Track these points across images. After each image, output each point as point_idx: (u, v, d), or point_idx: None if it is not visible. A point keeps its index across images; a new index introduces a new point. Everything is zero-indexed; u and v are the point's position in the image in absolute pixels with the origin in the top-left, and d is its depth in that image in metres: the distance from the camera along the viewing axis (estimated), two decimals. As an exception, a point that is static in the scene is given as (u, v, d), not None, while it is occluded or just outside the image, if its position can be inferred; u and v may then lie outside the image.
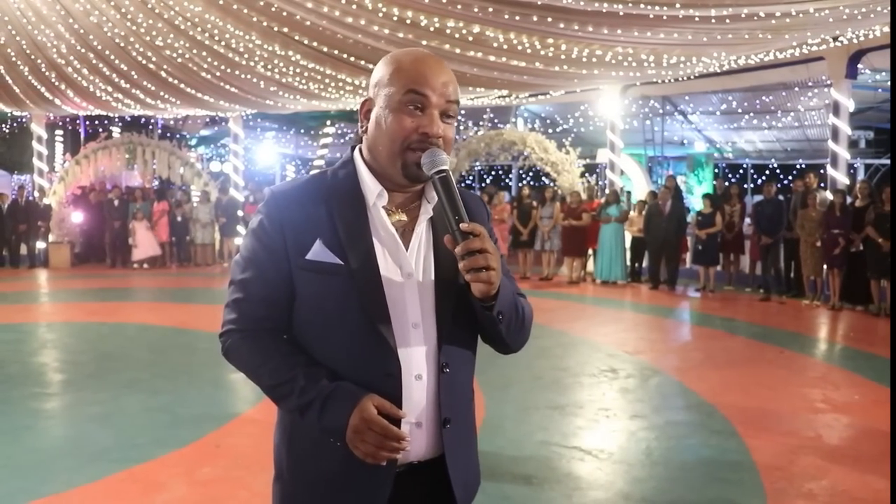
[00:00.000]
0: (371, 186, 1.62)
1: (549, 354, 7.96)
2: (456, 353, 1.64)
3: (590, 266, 14.91)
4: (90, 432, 5.35)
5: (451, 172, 1.56)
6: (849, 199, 11.38)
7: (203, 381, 6.83)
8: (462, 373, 1.67)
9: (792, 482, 4.48)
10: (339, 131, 25.58)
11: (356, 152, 1.68)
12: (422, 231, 1.64)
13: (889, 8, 8.25)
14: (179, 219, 17.47)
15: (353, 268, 1.56)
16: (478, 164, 21.70)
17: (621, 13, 8.85)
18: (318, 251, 1.57)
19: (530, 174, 29.70)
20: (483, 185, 29.54)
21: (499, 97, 16.14)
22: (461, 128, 19.16)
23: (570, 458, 4.87)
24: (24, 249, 17.47)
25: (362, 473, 1.56)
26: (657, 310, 11.33)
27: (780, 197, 12.82)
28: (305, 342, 1.63)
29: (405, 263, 1.60)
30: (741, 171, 30.67)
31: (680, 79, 14.35)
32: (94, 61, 14.35)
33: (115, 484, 4.40)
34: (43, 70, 14.97)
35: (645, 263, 14.57)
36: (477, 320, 1.64)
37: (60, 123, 24.47)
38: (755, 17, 8.63)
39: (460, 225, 1.48)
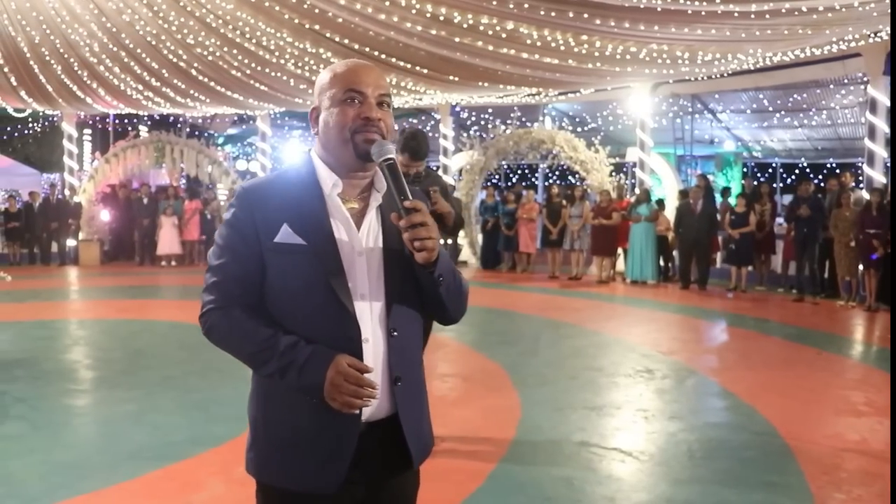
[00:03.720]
0: (327, 178, 1.87)
1: (583, 354, 7.88)
2: (403, 319, 1.88)
3: (619, 265, 14.80)
4: (125, 430, 5.34)
5: (396, 160, 1.82)
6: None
7: (236, 379, 6.77)
8: (409, 336, 1.90)
9: (840, 487, 4.37)
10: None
11: (312, 151, 1.94)
12: (372, 216, 1.89)
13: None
14: (209, 217, 17.55)
15: (316, 247, 1.81)
16: (504, 163, 21.56)
17: (659, 9, 8.74)
18: (285, 234, 1.81)
19: (556, 173, 29.54)
20: (509, 183, 29.39)
21: (528, 95, 16.04)
22: (489, 126, 19.08)
23: (610, 459, 4.79)
24: (54, 247, 17.66)
25: (330, 432, 1.79)
26: (689, 310, 11.20)
27: (819, 195, 12.60)
28: (276, 315, 1.84)
29: (357, 243, 1.85)
30: (770, 170, 30.36)
31: (713, 76, 14.17)
32: (125, 59, 14.43)
33: (152, 482, 4.38)
34: (75, 69, 15.08)
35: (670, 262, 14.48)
36: (421, 291, 1.90)
37: (90, 122, 24.66)
38: (796, 13, 8.47)
39: (404, 203, 1.74)
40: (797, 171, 29.51)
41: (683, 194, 14.38)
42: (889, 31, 9.95)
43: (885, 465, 4.73)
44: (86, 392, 6.56)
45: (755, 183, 15.60)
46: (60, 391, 6.43)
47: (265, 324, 1.83)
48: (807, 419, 5.76)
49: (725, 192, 16.08)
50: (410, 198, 1.76)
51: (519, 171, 31.70)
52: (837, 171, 24.58)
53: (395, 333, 1.85)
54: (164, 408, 5.87)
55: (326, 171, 1.88)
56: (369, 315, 1.83)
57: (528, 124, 18.23)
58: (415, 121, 23.78)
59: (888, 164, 12.78)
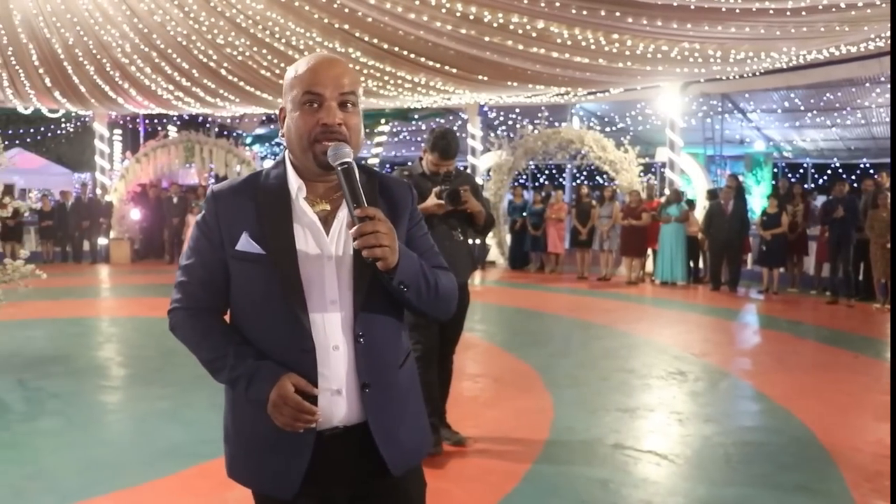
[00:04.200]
0: (293, 182, 1.83)
1: (615, 356, 7.82)
2: (372, 323, 1.83)
3: (648, 266, 14.70)
4: (159, 427, 5.37)
5: (353, 163, 1.75)
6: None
7: (268, 378, 6.83)
8: (380, 341, 1.85)
9: (884, 495, 4.28)
10: (394, 130, 25.63)
11: (287, 153, 1.89)
12: (342, 217, 1.82)
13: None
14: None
15: (274, 257, 1.77)
16: (531, 163, 21.49)
17: (693, 7, 8.64)
18: (244, 243, 1.80)
19: (584, 173, 29.39)
20: (536, 184, 29.30)
21: (556, 95, 15.97)
22: (517, 126, 19.02)
23: (645, 462, 4.74)
24: (86, 245, 17.88)
25: (288, 436, 1.77)
26: (720, 311, 11.09)
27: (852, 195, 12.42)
28: (238, 323, 1.87)
29: (325, 247, 1.80)
30: (801, 170, 30.03)
31: (744, 75, 14.01)
32: (156, 60, 14.56)
33: (186, 479, 4.39)
34: (108, 69, 15.24)
35: (701, 264, 14.35)
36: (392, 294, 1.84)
37: (120, 122, 24.92)
38: (834, 9, 8.33)
39: (355, 210, 1.69)
40: (829, 172, 29.17)
41: (712, 194, 14.25)
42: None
43: (927, 470, 4.64)
44: (119, 389, 6.62)
45: (789, 183, 15.44)
46: (95, 388, 6.49)
47: (224, 331, 1.85)
48: (846, 424, 5.66)
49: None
50: (364, 204, 1.71)
51: (546, 172, 31.57)
52: (871, 171, 24.29)
53: (362, 339, 1.80)
54: (197, 405, 5.89)
55: (293, 175, 1.85)
56: (339, 322, 1.80)
57: (556, 124, 18.15)
58: (442, 120, 23.76)
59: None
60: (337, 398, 1.79)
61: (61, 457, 4.73)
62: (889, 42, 10.71)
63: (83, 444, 4.99)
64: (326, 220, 1.83)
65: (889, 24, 8.85)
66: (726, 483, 4.43)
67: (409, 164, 4.98)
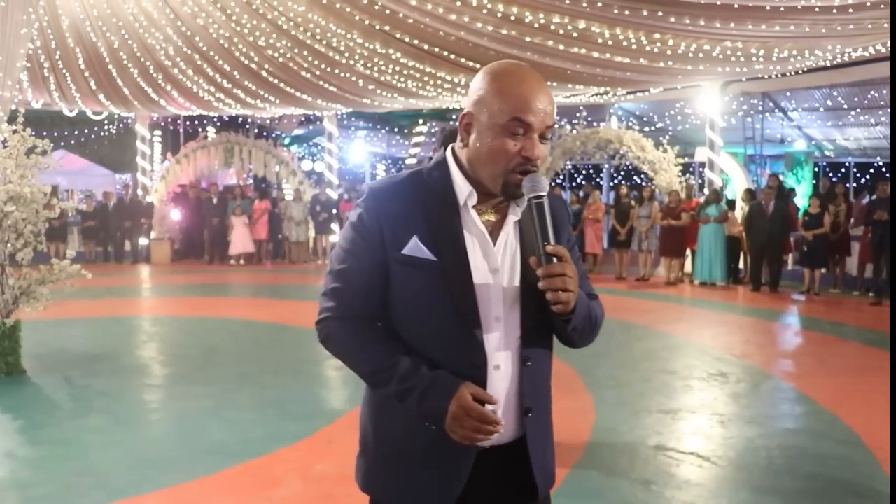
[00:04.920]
0: (462, 187, 1.71)
1: (656, 357, 7.77)
2: (537, 348, 1.75)
3: (686, 266, 14.57)
4: (204, 425, 5.45)
5: (545, 197, 1.65)
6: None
7: (309, 378, 6.91)
8: (542, 366, 1.78)
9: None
10: (432, 130, 25.68)
11: (449, 153, 1.78)
12: (509, 230, 1.74)
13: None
14: (280, 216, 17.85)
15: (446, 264, 1.67)
16: (569, 162, 21.42)
17: (736, 6, 8.56)
18: (414, 247, 1.68)
19: (621, 173, 29.22)
20: (574, 183, 29.20)
21: (595, 94, 15.91)
22: (556, 126, 18.96)
23: (688, 464, 4.71)
24: (127, 245, 18.16)
25: (444, 454, 1.68)
26: (761, 312, 10.96)
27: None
28: (398, 329, 1.74)
29: (492, 260, 1.70)
30: (843, 169, 29.56)
31: (787, 74, 13.83)
32: (198, 62, 14.76)
33: (232, 477, 4.45)
34: (151, 72, 15.48)
35: (741, 264, 14.20)
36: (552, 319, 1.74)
37: (161, 124, 25.26)
38: (882, 5, 8.19)
39: (546, 248, 1.60)
40: (872, 171, 28.67)
41: (750, 194, 14.09)
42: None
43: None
44: (163, 387, 6.72)
45: (830, 183, 15.23)
46: (139, 386, 6.61)
47: (386, 341, 1.73)
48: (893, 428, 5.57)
49: (790, 192, 15.72)
50: (552, 241, 1.61)
51: (584, 171, 31.45)
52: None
53: (529, 363, 1.72)
54: (240, 404, 5.97)
55: (462, 180, 1.72)
56: (503, 340, 1.70)
57: (595, 124, 18.08)
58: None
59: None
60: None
61: (109, 454, 4.82)
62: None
63: (130, 441, 5.09)
64: (492, 232, 1.72)
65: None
66: (770, 487, 4.38)
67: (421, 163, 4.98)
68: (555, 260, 1.59)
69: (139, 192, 19.86)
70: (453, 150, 1.78)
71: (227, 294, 13.17)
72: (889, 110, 20.07)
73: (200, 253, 18.39)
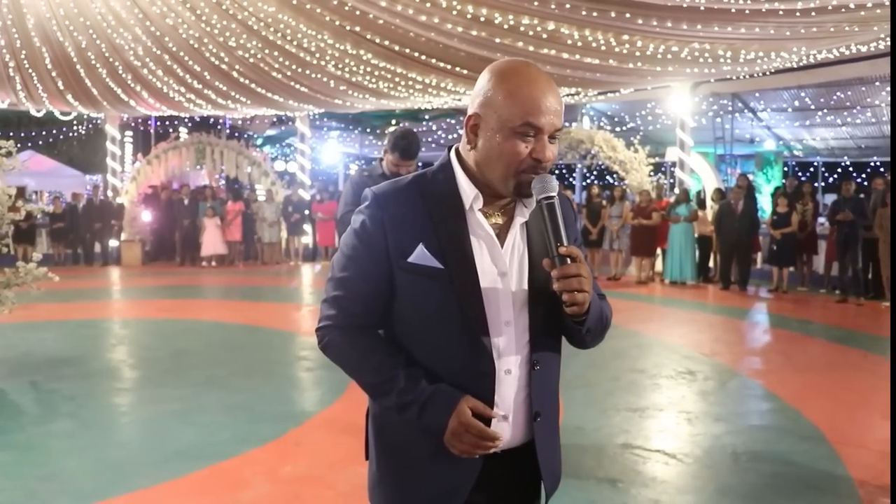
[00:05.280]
0: (467, 190, 1.68)
1: (626, 356, 7.83)
2: (546, 351, 1.73)
3: (657, 266, 14.70)
4: (172, 428, 5.42)
5: (556, 197, 1.63)
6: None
7: (279, 379, 6.89)
8: (551, 369, 1.77)
9: (888, 492, 4.29)
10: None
11: (453, 155, 1.74)
12: (516, 232, 1.71)
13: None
14: (253, 217, 17.76)
15: (454, 272, 1.64)
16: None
17: (702, 8, 8.67)
18: (420, 255, 1.64)
19: (594, 173, 29.39)
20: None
21: (567, 95, 15.99)
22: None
23: (654, 461, 4.76)
24: (97, 247, 17.96)
25: (449, 464, 1.67)
26: (730, 311, 11.08)
27: (861, 195, 12.38)
28: (403, 340, 1.72)
29: (500, 263, 1.67)
30: (811, 169, 29.95)
31: (754, 75, 14.00)
32: (168, 63, 14.66)
33: (200, 480, 4.44)
34: (120, 72, 15.35)
35: (711, 263, 14.34)
36: (562, 321, 1.73)
37: (131, 124, 25.07)
38: (843, 10, 8.34)
39: (559, 249, 1.57)
40: (839, 170, 29.07)
41: (720, 193, 14.25)
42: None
43: (936, 470, 4.64)
44: (132, 391, 6.66)
45: (797, 182, 15.41)
46: (108, 390, 6.55)
47: (388, 351, 1.70)
48: (854, 423, 5.67)
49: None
50: (566, 243, 1.59)
51: (556, 171, 31.53)
52: (881, 169, 24.22)
53: (538, 367, 1.71)
54: (209, 407, 5.94)
55: (468, 184, 1.69)
56: (513, 345, 1.68)
57: (567, 124, 18.16)
58: (452, 121, 23.83)
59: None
60: (503, 424, 1.69)
61: (75, 458, 4.78)
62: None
63: (96, 445, 5.04)
64: (499, 234, 1.70)
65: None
66: (734, 483, 4.45)
67: (372, 163, 4.95)
68: (568, 261, 1.57)
69: (109, 193, 19.68)
70: (457, 151, 1.75)
71: (198, 296, 13.08)
72: (854, 110, 20.39)
73: (172, 255, 18.25)
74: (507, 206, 1.72)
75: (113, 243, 18.15)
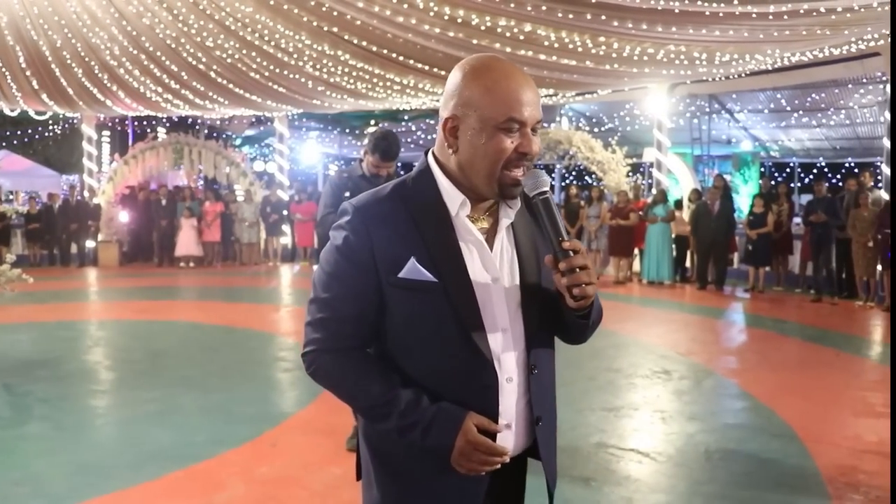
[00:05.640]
0: (453, 196, 1.62)
1: (602, 355, 7.88)
2: (542, 354, 1.69)
3: (635, 266, 14.79)
4: (148, 430, 5.40)
5: (549, 192, 1.60)
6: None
7: (256, 380, 6.88)
8: (548, 371, 1.73)
9: (857, 489, 4.36)
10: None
11: (431, 161, 1.68)
12: (503, 235, 1.66)
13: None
14: (232, 218, 17.69)
15: (448, 284, 1.58)
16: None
17: (677, 10, 8.75)
18: (412, 269, 1.58)
19: (573, 173, 29.50)
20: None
21: (545, 96, 16.06)
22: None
23: (628, 460, 4.81)
24: (74, 248, 17.81)
25: (453, 483, 1.62)
26: (707, 310, 11.18)
27: (831, 195, 12.53)
28: (398, 358, 1.64)
29: (492, 268, 1.62)
30: (788, 169, 30.22)
31: (730, 77, 14.14)
32: (145, 62, 14.57)
33: (175, 482, 4.43)
34: (96, 72, 15.24)
35: (688, 263, 14.46)
36: (557, 320, 1.70)
37: (109, 124, 24.89)
38: (814, 13, 8.46)
39: (563, 244, 1.53)
40: (815, 171, 29.36)
41: (697, 194, 14.37)
42: None
43: (904, 467, 4.72)
44: (108, 392, 6.63)
45: (772, 182, 15.57)
46: (83, 392, 6.51)
47: (383, 372, 1.63)
48: (825, 421, 5.75)
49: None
50: (566, 237, 1.55)
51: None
52: (856, 170, 24.47)
53: (536, 371, 1.67)
54: (185, 408, 5.93)
55: (453, 189, 1.62)
56: (511, 351, 1.64)
57: (545, 125, 18.22)
58: (432, 122, 23.83)
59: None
60: (507, 432, 1.65)
61: (49, 461, 4.75)
62: (864, 43, 10.86)
63: (71, 448, 5.02)
64: (487, 238, 1.64)
65: (863, 27, 8.98)
66: (706, 480, 4.50)
67: (352, 163, 4.96)
68: (571, 254, 1.52)
69: (86, 193, 19.52)
70: (435, 156, 1.68)
71: (176, 297, 13.02)
72: (829, 112, 20.61)
73: (149, 255, 18.14)
74: (491, 209, 1.67)
75: (89, 244, 18.00)
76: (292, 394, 6.57)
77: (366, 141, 4.66)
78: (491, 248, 1.64)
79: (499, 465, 1.60)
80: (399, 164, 4.80)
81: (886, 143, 12.66)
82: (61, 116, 21.90)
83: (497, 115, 1.54)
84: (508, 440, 1.65)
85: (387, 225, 1.60)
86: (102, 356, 8.16)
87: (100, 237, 18.07)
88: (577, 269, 1.51)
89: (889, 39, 9.84)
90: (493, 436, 1.59)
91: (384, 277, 1.59)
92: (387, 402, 1.59)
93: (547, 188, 1.59)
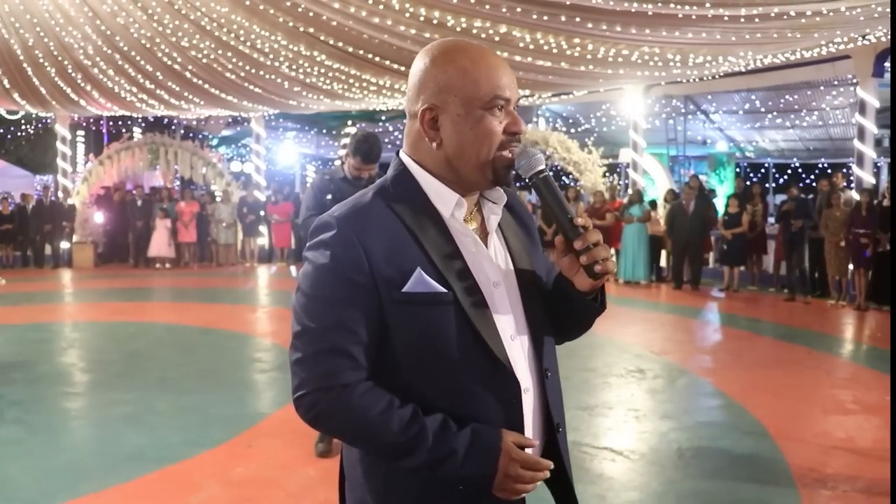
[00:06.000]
0: (445, 196, 1.48)
1: (577, 355, 7.93)
2: (551, 356, 1.58)
3: (612, 266, 14.85)
4: (122, 432, 5.38)
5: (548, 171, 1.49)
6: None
7: (232, 381, 6.87)
8: (557, 373, 1.61)
9: (826, 484, 4.44)
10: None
11: (408, 161, 1.52)
12: (494, 234, 1.55)
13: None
14: (208, 219, 17.59)
15: (458, 294, 1.42)
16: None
17: (650, 13, 8.83)
18: (418, 281, 1.41)
19: (550, 174, 29.59)
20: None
21: (521, 97, 16.13)
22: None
23: (602, 458, 4.86)
24: (48, 249, 17.64)
25: None
26: (682, 310, 11.28)
27: (804, 196, 12.71)
28: (408, 385, 1.44)
29: (491, 272, 1.49)
30: (763, 170, 30.48)
31: (704, 78, 14.28)
32: (119, 62, 14.46)
33: (150, 484, 4.42)
34: (69, 71, 15.11)
35: (663, 262, 14.57)
36: (556, 318, 1.60)
37: (84, 124, 24.68)
38: (785, 17, 8.57)
39: (575, 221, 1.44)
40: (790, 172, 29.65)
41: (673, 194, 14.49)
42: (889, 33, 10.03)
43: (870, 462, 4.81)
44: (82, 395, 6.60)
45: (747, 183, 15.73)
46: (57, 394, 6.47)
47: (398, 404, 1.42)
48: (796, 418, 5.83)
49: (710, 192, 16.21)
50: (575, 214, 1.45)
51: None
52: (829, 171, 24.75)
53: (549, 374, 1.54)
54: (160, 410, 5.91)
55: (442, 188, 1.48)
56: (524, 358, 1.51)
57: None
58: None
59: (879, 165, 12.88)
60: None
61: (20, 464, 4.72)
62: (834, 46, 11.02)
63: (44, 451, 4.99)
64: (481, 240, 1.53)
65: (836, 31, 9.11)
66: (678, 478, 4.56)
67: (331, 166, 4.96)
68: (581, 231, 1.44)
69: (60, 194, 19.36)
70: (410, 157, 1.53)
71: (151, 298, 12.94)
72: (802, 113, 20.85)
73: (125, 256, 17.99)
74: (476, 207, 1.55)
75: (64, 245, 17.84)
76: (268, 395, 6.57)
77: (346, 142, 4.67)
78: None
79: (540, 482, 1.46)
80: (379, 167, 4.79)
81: (857, 144, 12.81)
82: (34, 116, 21.68)
83: (482, 94, 1.43)
84: (535, 455, 1.49)
85: (381, 234, 1.42)
86: (77, 358, 8.11)
87: (74, 238, 17.90)
88: (595, 246, 1.42)
89: (889, 39, 9.94)
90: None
91: (386, 294, 1.41)
92: (411, 436, 1.39)
93: (543, 166, 1.47)
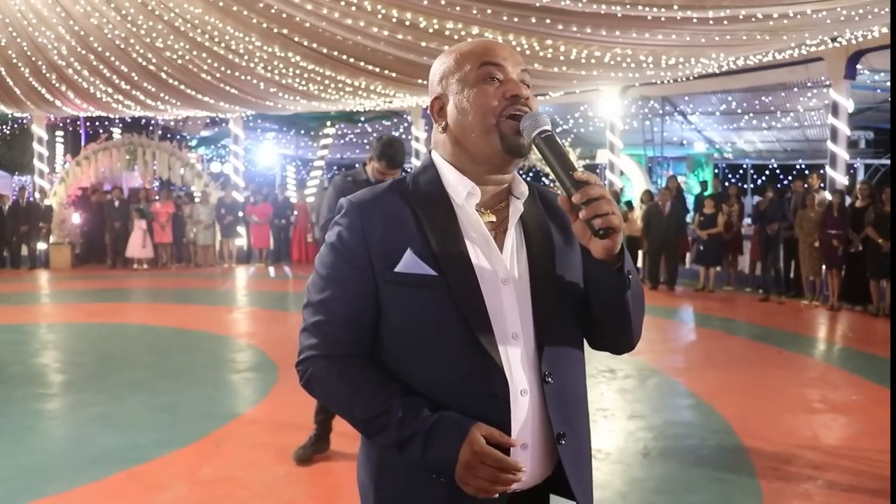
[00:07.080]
0: (458, 184, 1.50)
1: (549, 355, 7.98)
2: (560, 360, 1.50)
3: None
4: (92, 433, 5.37)
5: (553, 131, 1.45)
6: (848, 200, 11.46)
7: (204, 382, 6.86)
8: (570, 380, 1.54)
9: (788, 482, 4.50)
10: (339, 132, 25.60)
11: (433, 154, 1.58)
12: (514, 232, 1.52)
13: (889, 8, 8.28)
14: (183, 219, 17.52)
15: (450, 278, 1.43)
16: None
17: (619, 15, 8.88)
18: (409, 262, 1.44)
19: (530, 175, 29.69)
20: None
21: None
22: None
23: (568, 457, 4.89)
24: (24, 250, 17.50)
25: None
26: (656, 310, 11.32)
27: (779, 196, 12.84)
28: (396, 366, 1.48)
29: (500, 268, 1.48)
30: (741, 171, 30.69)
31: (679, 79, 14.37)
32: (94, 63, 14.37)
33: (116, 484, 4.43)
34: (44, 72, 14.99)
35: (640, 263, 14.66)
36: (584, 315, 1.56)
37: (61, 125, 24.50)
38: (753, 19, 8.66)
39: (574, 174, 1.37)
40: (767, 172, 29.88)
41: (649, 195, 14.58)
42: (887, 32, 10.11)
43: (833, 458, 4.89)
44: (54, 396, 6.57)
45: (726, 184, 15.86)
46: (28, 395, 6.43)
47: (381, 380, 1.46)
48: (763, 417, 5.90)
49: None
50: (577, 169, 1.39)
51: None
52: (807, 172, 24.97)
53: (550, 380, 1.47)
54: (131, 411, 5.90)
55: (457, 176, 1.51)
56: (526, 360, 1.46)
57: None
58: (388, 123, 23.86)
59: (855, 166, 13.04)
60: (522, 454, 1.45)
61: (-12, 465, 4.71)
62: (806, 49, 11.13)
63: (11, 452, 4.97)
64: (495, 235, 1.51)
65: (799, 33, 9.18)
66: (643, 476, 4.61)
67: (356, 167, 5.00)
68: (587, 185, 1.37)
69: (37, 194, 19.21)
70: (436, 151, 1.58)
71: (128, 299, 12.89)
72: (778, 114, 21.03)
73: (103, 257, 17.87)
74: (500, 205, 1.54)
75: (41, 246, 17.70)
76: (240, 395, 6.57)
77: (371, 146, 4.67)
78: (500, 244, 1.50)
79: (511, 486, 1.39)
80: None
81: (830, 145, 12.95)
82: (10, 116, 21.51)
83: (471, 66, 1.48)
84: (525, 463, 1.42)
85: (383, 219, 1.47)
86: (50, 359, 8.08)
87: (52, 239, 17.77)
88: (597, 199, 1.34)
89: (890, 37, 10.02)
90: (506, 452, 1.39)
91: (380, 274, 1.46)
92: (384, 411, 1.41)
93: (548, 126, 1.43)
